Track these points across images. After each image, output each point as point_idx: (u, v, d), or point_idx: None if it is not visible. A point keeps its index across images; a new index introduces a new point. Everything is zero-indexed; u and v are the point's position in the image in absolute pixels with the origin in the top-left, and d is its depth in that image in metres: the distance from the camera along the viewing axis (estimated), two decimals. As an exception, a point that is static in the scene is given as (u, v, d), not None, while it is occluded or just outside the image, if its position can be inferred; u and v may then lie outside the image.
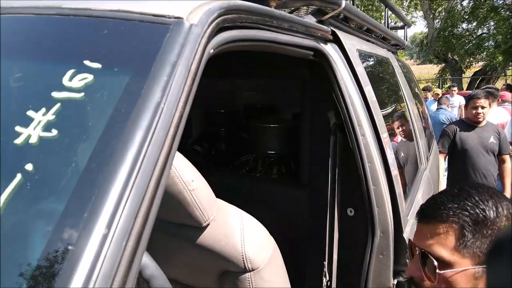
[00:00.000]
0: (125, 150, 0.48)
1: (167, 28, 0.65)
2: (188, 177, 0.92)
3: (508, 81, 17.10)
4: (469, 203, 0.91)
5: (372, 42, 2.41)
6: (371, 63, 2.04)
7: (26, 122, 0.53)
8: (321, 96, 1.78)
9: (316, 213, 1.78)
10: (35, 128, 0.52)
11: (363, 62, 1.70)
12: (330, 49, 1.46)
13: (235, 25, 0.83)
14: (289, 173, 2.44)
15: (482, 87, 7.44)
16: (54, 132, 0.52)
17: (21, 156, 0.51)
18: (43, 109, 0.54)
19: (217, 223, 1.03)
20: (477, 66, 20.32)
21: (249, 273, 1.01)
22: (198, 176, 0.96)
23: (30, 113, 0.54)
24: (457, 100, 8.11)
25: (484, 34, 17.77)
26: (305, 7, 1.86)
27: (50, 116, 0.53)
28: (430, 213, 0.96)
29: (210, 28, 0.70)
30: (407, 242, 1.14)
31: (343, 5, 1.51)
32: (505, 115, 5.06)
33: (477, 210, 0.89)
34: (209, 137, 2.87)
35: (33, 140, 0.51)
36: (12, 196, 0.47)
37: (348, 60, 1.53)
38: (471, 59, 18.73)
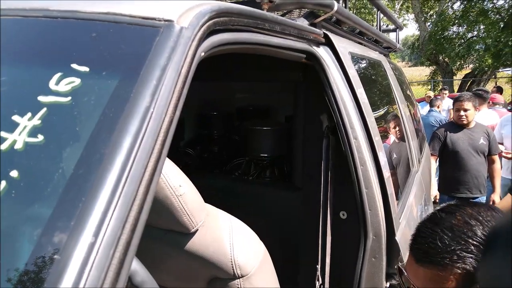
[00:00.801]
0: (113, 156, 0.47)
1: (157, 31, 0.64)
2: (175, 182, 0.91)
3: (498, 83, 17.27)
4: (473, 242, 0.81)
5: (364, 45, 2.42)
6: (363, 65, 2.04)
7: (11, 127, 0.52)
8: (314, 99, 1.78)
9: (309, 216, 1.78)
10: (21, 133, 0.51)
11: (355, 65, 1.70)
12: (323, 52, 1.46)
13: (226, 28, 0.82)
14: (282, 176, 2.43)
15: (473, 89, 7.50)
16: (40, 137, 0.51)
17: (5, 162, 0.49)
18: (29, 114, 0.53)
19: (205, 229, 1.01)
20: (468, 69, 20.50)
21: (238, 280, 1.00)
22: (186, 181, 0.95)
23: (16, 117, 0.52)
24: (447, 103, 8.17)
25: (474, 37, 17.95)
26: (297, 10, 1.86)
27: (36, 121, 0.52)
28: (429, 256, 0.87)
29: (201, 31, 0.70)
30: (399, 265, 1.08)
31: (336, 8, 1.51)
32: (495, 117, 5.11)
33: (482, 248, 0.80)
34: (201, 140, 2.85)
35: (19, 145, 0.50)
36: (-4, 204, 0.46)
37: (341, 63, 1.53)
38: (462, 61, 18.89)
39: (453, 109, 3.84)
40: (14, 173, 0.48)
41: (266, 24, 1.02)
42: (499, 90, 8.45)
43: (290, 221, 1.97)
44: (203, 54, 0.72)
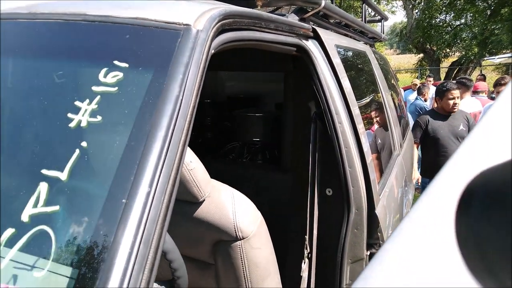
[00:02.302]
0: (157, 131, 0.64)
1: (178, 33, 0.80)
2: (187, 159, 1.07)
3: (484, 71, 17.57)
4: None
5: (350, 36, 2.58)
6: (348, 56, 2.20)
7: (76, 110, 0.68)
8: (303, 88, 1.94)
9: (298, 193, 1.95)
10: (84, 114, 0.67)
11: (340, 56, 1.87)
12: (311, 45, 1.62)
13: (231, 28, 0.98)
14: (273, 159, 2.61)
15: (457, 78, 7.69)
16: (99, 117, 0.67)
17: (76, 136, 0.65)
18: (87, 100, 0.69)
19: (211, 199, 1.19)
20: (454, 56, 20.78)
21: (240, 241, 1.17)
22: (195, 158, 1.12)
23: (77, 103, 0.68)
24: (431, 91, 8.35)
25: (461, 26, 18.19)
26: (288, 6, 2.02)
27: (94, 105, 0.68)
28: None
29: (212, 32, 0.86)
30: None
31: (323, 4, 1.67)
32: (477, 105, 5.30)
33: None
34: (195, 126, 2.99)
35: (84, 124, 0.66)
36: (74, 166, 0.62)
37: (327, 55, 1.69)
38: (448, 50, 19.16)
39: (440, 98, 3.97)
40: (84, 144, 0.64)
41: (262, 22, 1.18)
42: (485, 78, 8.66)
43: (281, 199, 2.15)
44: (213, 51, 0.88)
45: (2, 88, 0.76)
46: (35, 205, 0.59)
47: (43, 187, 0.60)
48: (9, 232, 0.57)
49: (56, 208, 0.58)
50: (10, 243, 0.57)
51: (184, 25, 0.82)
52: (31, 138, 0.69)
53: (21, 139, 0.70)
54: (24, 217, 0.58)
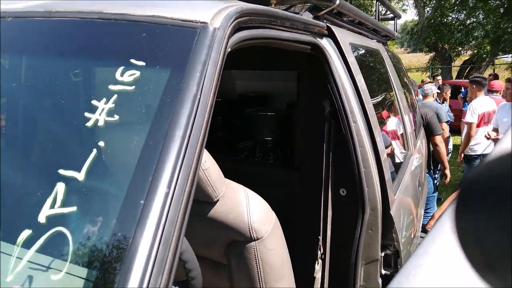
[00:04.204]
0: (175, 130, 0.62)
1: (195, 31, 0.78)
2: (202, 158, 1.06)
3: (497, 70, 17.34)
4: None
5: (364, 34, 2.55)
6: (362, 55, 2.18)
7: (93, 109, 0.67)
8: (316, 86, 1.92)
9: (311, 193, 1.93)
10: (101, 114, 0.66)
11: (355, 54, 1.84)
12: (326, 43, 1.59)
13: (247, 26, 0.97)
14: (285, 158, 2.59)
15: (470, 77, 7.60)
16: (116, 117, 0.66)
17: (93, 135, 0.65)
18: (104, 99, 0.68)
19: (225, 199, 1.17)
20: (466, 55, 20.51)
21: (254, 242, 1.16)
22: (209, 157, 1.11)
23: (94, 102, 0.67)
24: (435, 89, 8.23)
25: (474, 24, 17.95)
26: (302, 4, 2.00)
27: (111, 104, 0.67)
28: None
29: (229, 30, 0.84)
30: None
31: (337, 2, 1.64)
32: (491, 104, 5.22)
33: None
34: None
35: (101, 123, 0.65)
36: (92, 166, 0.61)
37: (342, 53, 1.66)
38: (460, 48, 18.93)
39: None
40: (101, 143, 0.63)
41: (278, 20, 1.16)
42: (496, 77, 8.54)
43: (294, 199, 2.13)
44: (229, 49, 0.87)
45: (18, 87, 0.76)
46: (52, 206, 0.58)
47: (60, 188, 0.59)
48: (26, 233, 0.57)
49: (73, 209, 0.58)
50: (27, 244, 0.56)
51: (201, 23, 0.80)
52: (48, 138, 0.69)
53: (38, 138, 0.69)
54: (41, 218, 0.57)
